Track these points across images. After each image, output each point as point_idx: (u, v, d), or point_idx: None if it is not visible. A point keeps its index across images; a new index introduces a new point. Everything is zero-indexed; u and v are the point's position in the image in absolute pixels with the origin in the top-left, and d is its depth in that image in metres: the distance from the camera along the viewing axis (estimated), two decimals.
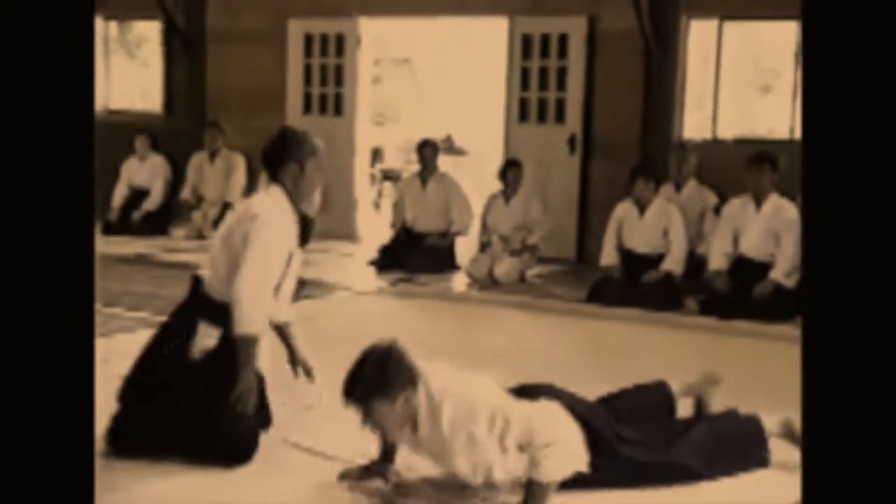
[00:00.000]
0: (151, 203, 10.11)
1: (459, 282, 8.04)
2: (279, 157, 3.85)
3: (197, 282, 3.82)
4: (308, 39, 10.10)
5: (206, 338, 3.66)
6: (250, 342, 3.58)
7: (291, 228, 3.84)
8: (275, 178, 3.85)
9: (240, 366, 3.56)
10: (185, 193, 10.12)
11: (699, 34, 8.73)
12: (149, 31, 11.14)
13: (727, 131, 8.75)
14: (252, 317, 3.57)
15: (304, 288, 5.94)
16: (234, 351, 3.58)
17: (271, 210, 3.74)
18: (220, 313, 3.62)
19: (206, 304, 3.72)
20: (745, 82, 8.99)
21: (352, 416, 3.27)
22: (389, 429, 3.28)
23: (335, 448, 3.81)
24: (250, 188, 9.91)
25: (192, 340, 3.66)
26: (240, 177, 9.96)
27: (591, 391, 4.92)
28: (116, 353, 4.50)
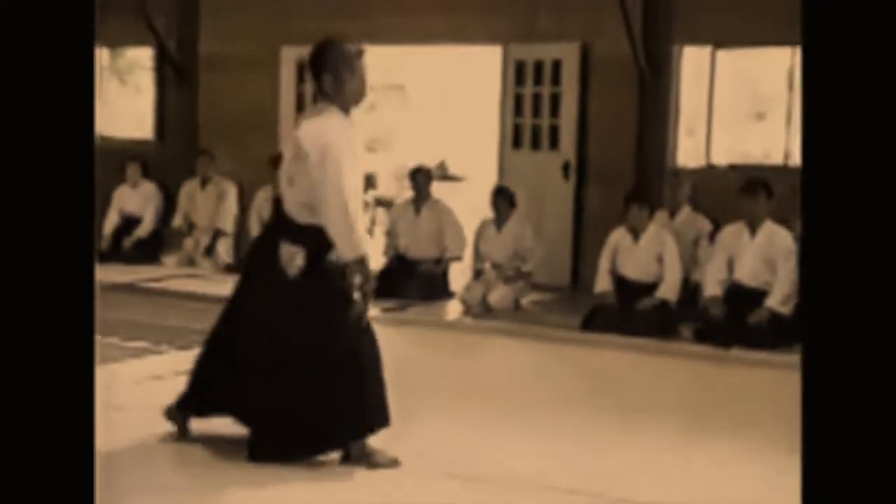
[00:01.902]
0: (143, 230, 10.05)
1: (453, 309, 7.98)
2: (316, 70, 4.02)
3: (278, 204, 4.01)
4: (301, 66, 10.08)
5: (295, 258, 3.85)
6: (365, 261, 3.84)
7: (355, 143, 3.96)
8: (322, 92, 4.01)
9: (358, 285, 3.84)
10: (177, 221, 10.07)
11: (692, 61, 8.73)
12: (141, 58, 11.12)
13: (721, 158, 8.74)
14: (363, 237, 3.87)
15: None
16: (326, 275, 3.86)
17: (335, 133, 3.86)
18: (304, 235, 3.85)
19: (289, 227, 3.90)
20: (739, 109, 8.99)
21: None
22: None
23: None
24: (242, 215, 9.87)
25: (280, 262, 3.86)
26: (231, 204, 9.91)
27: (586, 419, 4.87)
28: (112, 381, 4.44)
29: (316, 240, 3.86)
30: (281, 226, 3.95)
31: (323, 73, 3.98)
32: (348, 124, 3.96)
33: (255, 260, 4.12)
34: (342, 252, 3.81)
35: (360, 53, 4.03)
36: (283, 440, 3.90)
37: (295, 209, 3.91)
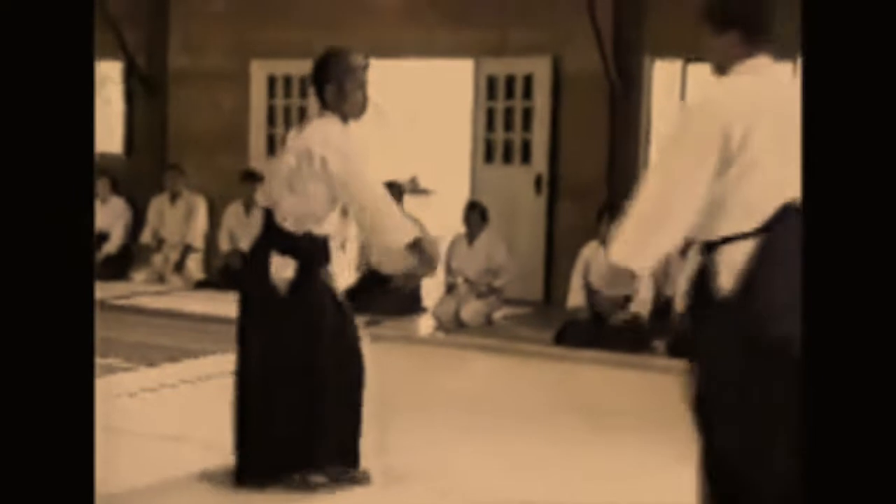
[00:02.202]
0: (111, 246, 9.95)
1: (426, 324, 7.94)
2: (319, 80, 3.97)
3: (269, 215, 3.92)
4: (271, 80, 10.04)
5: (286, 270, 3.79)
6: (421, 242, 3.98)
7: (358, 146, 3.96)
8: (324, 102, 3.97)
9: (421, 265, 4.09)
10: (146, 236, 9.97)
11: (663, 75, 8.76)
12: (110, 72, 11.02)
13: None
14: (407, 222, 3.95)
15: None
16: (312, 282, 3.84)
17: (348, 135, 3.89)
18: (297, 245, 3.81)
19: (280, 238, 3.84)
20: None
21: None
22: None
23: None
24: (212, 230, 9.79)
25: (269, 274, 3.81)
26: (201, 219, 9.83)
27: (558, 433, 4.84)
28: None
29: (308, 250, 3.81)
30: (271, 238, 3.88)
31: (326, 84, 3.93)
32: (345, 130, 3.95)
33: (246, 277, 4.05)
34: (396, 240, 3.86)
35: (365, 66, 3.99)
36: (268, 461, 3.82)
37: (292, 218, 3.83)
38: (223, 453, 3.97)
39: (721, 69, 2.77)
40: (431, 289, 8.44)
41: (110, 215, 10.07)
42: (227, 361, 6.23)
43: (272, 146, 10.07)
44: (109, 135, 11.04)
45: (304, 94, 9.89)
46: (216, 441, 4.22)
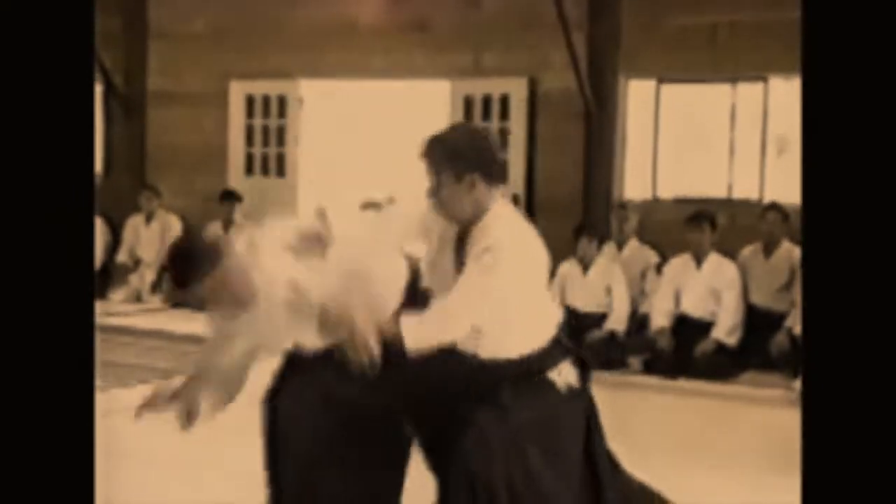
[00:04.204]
0: None
1: None
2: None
3: None
4: (250, 100, 10.09)
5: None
6: None
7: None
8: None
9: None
10: (122, 256, 9.97)
11: (638, 95, 8.87)
12: None
13: (667, 191, 8.87)
14: None
15: None
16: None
17: None
18: None
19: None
20: (683, 142, 9.14)
21: None
22: None
23: None
24: None
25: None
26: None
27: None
28: None
29: None
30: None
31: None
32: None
33: None
34: None
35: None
36: None
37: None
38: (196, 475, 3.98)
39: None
40: None
41: None
42: None
43: (251, 166, 10.12)
44: None
45: (281, 115, 9.94)
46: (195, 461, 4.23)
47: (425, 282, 3.30)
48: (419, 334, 2.87)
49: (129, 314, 8.81)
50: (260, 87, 9.99)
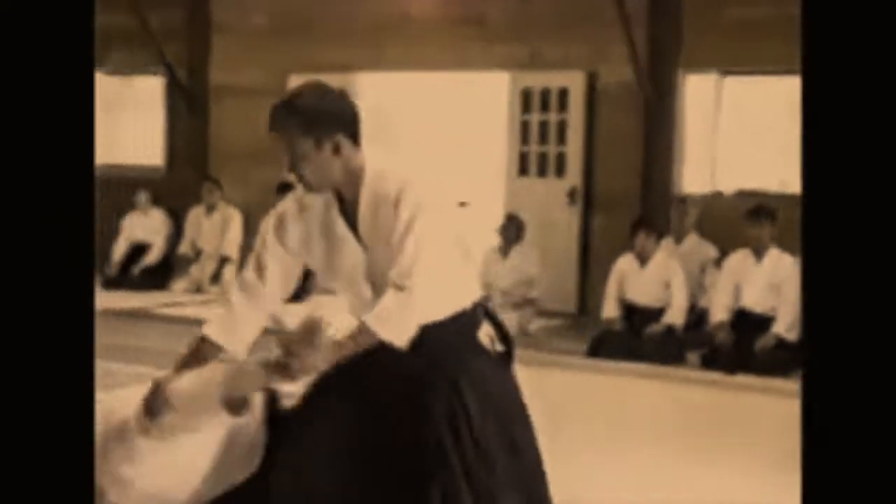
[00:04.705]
0: (151, 257, 10.11)
1: None
2: None
3: None
4: None
5: None
6: None
7: None
8: None
9: None
10: (184, 247, 10.13)
11: (698, 88, 8.78)
12: (151, 87, 11.22)
13: (727, 185, 8.78)
14: None
15: None
16: None
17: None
18: None
19: None
20: (744, 136, 9.03)
21: None
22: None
23: None
24: (248, 241, 9.91)
25: None
26: (235, 231, 9.97)
27: (589, 445, 4.88)
28: (114, 406, 4.45)
29: None
30: None
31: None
32: None
33: None
34: None
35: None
36: None
37: None
38: None
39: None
40: None
41: (151, 227, 10.24)
42: None
43: None
44: (151, 148, 11.24)
45: None
46: None
47: (323, 283, 3.03)
48: (398, 327, 2.62)
49: (189, 304, 8.94)
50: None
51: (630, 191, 8.68)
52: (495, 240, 8.33)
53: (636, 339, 7.12)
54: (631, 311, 7.35)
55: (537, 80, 9.15)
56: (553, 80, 9.07)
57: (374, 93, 10.35)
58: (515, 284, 8.08)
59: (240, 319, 2.85)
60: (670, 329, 7.15)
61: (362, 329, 2.63)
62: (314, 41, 9.93)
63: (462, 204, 14.64)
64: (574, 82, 8.95)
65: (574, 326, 8.37)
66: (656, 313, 7.21)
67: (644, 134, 8.70)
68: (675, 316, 7.17)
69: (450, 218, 2.82)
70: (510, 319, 7.91)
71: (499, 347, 2.98)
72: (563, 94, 9.03)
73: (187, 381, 2.68)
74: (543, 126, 9.18)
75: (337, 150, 2.70)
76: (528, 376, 7.02)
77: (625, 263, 7.42)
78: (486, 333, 2.95)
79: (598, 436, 5.08)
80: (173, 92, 10.77)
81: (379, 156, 2.80)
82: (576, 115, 8.97)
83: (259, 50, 10.27)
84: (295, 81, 10.10)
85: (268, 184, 9.84)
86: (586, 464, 4.57)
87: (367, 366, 2.72)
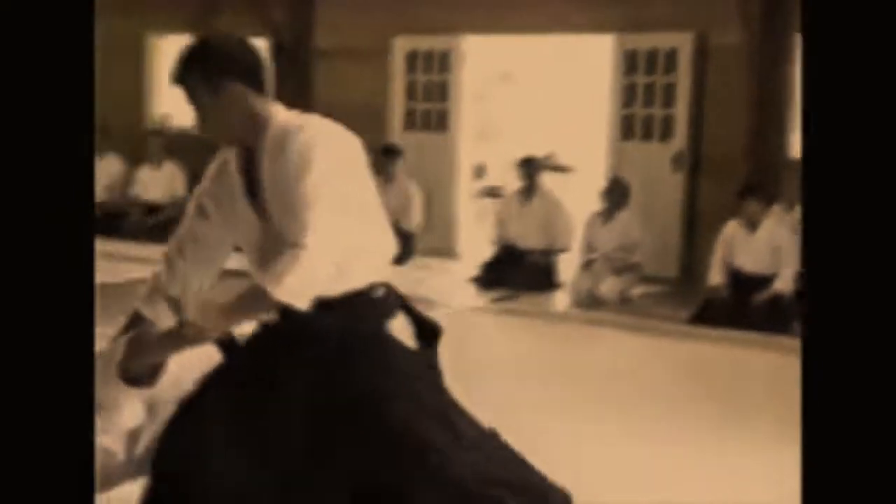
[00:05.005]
0: None
1: (561, 300, 7.94)
2: None
3: None
4: (412, 56, 10.16)
5: None
6: None
7: None
8: None
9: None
10: None
11: None
12: None
13: None
14: None
15: None
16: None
17: None
18: None
19: None
20: None
21: None
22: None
23: None
24: None
25: None
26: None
27: (688, 417, 4.78)
28: None
29: None
30: None
31: None
32: None
33: None
34: None
35: None
36: None
37: None
38: None
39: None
40: (567, 265, 8.43)
41: None
42: None
43: (412, 121, 10.21)
44: None
45: (443, 70, 9.98)
46: None
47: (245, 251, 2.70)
48: (296, 286, 2.38)
49: None
50: (423, 43, 10.04)
51: (738, 155, 8.46)
52: (598, 204, 8.23)
53: (743, 306, 6.95)
54: (737, 279, 7.19)
55: (643, 41, 8.96)
56: (660, 41, 8.87)
57: (478, 56, 10.30)
58: (618, 249, 7.97)
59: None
60: (778, 297, 6.96)
61: (255, 290, 2.40)
62: (418, 3, 9.89)
63: (564, 168, 14.54)
64: (683, 43, 8.74)
65: (677, 293, 8.23)
66: (764, 281, 7.03)
67: (755, 98, 8.44)
68: (785, 284, 6.98)
69: (354, 175, 2.62)
70: (612, 284, 7.82)
71: (413, 343, 2.70)
72: (671, 55, 8.83)
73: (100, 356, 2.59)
74: (649, 88, 9.00)
75: (236, 99, 2.54)
76: (626, 342, 6.98)
77: (732, 229, 7.25)
78: (402, 327, 2.70)
79: (693, 409, 4.98)
80: (278, 55, 10.87)
81: (290, 112, 2.63)
82: (683, 78, 8.77)
83: (364, 12, 10.28)
84: (400, 44, 10.13)
85: (370, 146, 9.88)
86: (679, 438, 4.49)
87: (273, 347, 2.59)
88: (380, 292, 2.66)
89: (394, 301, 2.70)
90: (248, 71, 2.56)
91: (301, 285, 2.38)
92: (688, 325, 6.96)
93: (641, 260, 8.02)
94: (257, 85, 2.57)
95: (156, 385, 2.69)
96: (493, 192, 13.50)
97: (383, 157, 9.60)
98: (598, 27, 9.20)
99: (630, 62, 9.05)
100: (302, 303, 2.40)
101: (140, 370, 2.64)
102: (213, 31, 10.76)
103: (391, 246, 2.71)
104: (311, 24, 10.76)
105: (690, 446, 4.32)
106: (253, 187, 2.59)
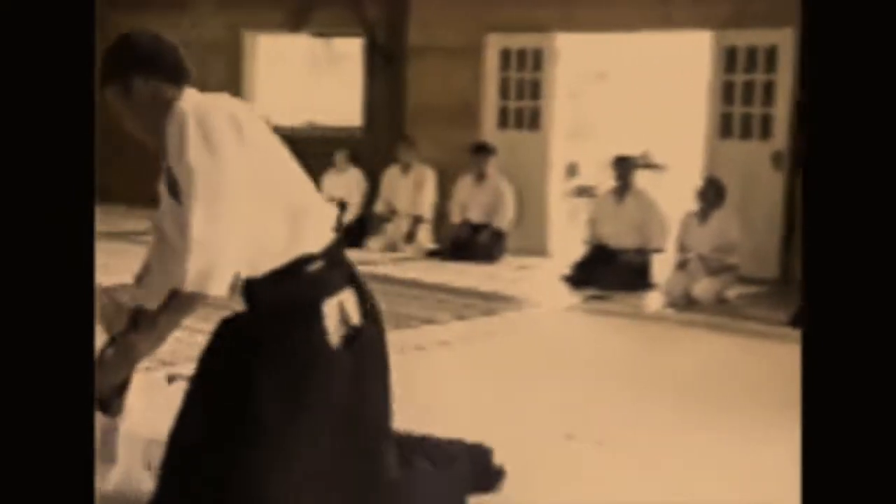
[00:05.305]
0: (349, 215, 10.34)
1: (654, 300, 7.81)
2: None
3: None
4: (505, 54, 10.12)
5: None
6: None
7: None
8: None
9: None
10: (379, 206, 10.31)
11: None
12: (350, 48, 11.44)
13: None
14: None
15: None
16: None
17: None
18: None
19: None
20: None
21: None
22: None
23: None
24: (442, 201, 9.99)
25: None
26: (429, 191, 10.06)
27: (783, 419, 4.63)
28: None
29: None
30: None
31: None
32: None
33: None
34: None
35: None
36: None
37: None
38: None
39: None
40: (661, 265, 8.29)
41: (348, 186, 10.47)
42: (444, 331, 6.38)
43: (504, 119, 10.17)
44: (349, 108, 11.48)
45: (537, 68, 9.91)
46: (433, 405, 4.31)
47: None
48: (203, 274, 2.37)
49: (383, 263, 9.11)
50: (516, 41, 9.98)
51: None
52: (693, 203, 8.07)
53: None
54: None
55: (743, 38, 8.76)
56: (760, 38, 8.66)
57: (572, 53, 10.20)
58: (714, 250, 7.80)
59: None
60: None
61: (171, 294, 2.42)
62: (512, 1, 9.85)
63: (659, 167, 14.33)
64: (783, 40, 8.52)
65: (776, 295, 8.02)
66: None
67: None
68: None
69: (242, 141, 2.52)
70: (707, 285, 7.66)
71: (355, 321, 2.72)
72: (771, 52, 8.62)
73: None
74: (748, 86, 8.79)
75: (153, 96, 2.56)
76: (721, 344, 6.82)
77: None
78: (343, 303, 2.73)
79: (784, 410, 4.83)
80: (372, 52, 10.94)
81: (196, 93, 2.60)
82: (784, 75, 8.54)
83: (456, 9, 10.28)
84: (492, 41, 10.09)
85: (463, 143, 9.89)
86: (775, 448, 4.36)
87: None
88: (316, 266, 2.69)
89: (337, 278, 2.75)
90: (156, 64, 2.57)
91: (204, 271, 2.36)
92: (785, 327, 6.77)
93: (738, 261, 7.84)
94: (171, 77, 2.58)
95: (122, 414, 2.76)
96: (585, 192, 13.38)
97: (475, 155, 9.59)
98: (696, 24, 9.02)
99: (729, 59, 8.86)
100: (214, 289, 2.38)
101: (106, 392, 2.68)
102: (308, 28, 10.90)
103: (327, 208, 2.80)
104: (404, 22, 10.79)
105: (790, 447, 4.19)
106: (170, 176, 2.59)
